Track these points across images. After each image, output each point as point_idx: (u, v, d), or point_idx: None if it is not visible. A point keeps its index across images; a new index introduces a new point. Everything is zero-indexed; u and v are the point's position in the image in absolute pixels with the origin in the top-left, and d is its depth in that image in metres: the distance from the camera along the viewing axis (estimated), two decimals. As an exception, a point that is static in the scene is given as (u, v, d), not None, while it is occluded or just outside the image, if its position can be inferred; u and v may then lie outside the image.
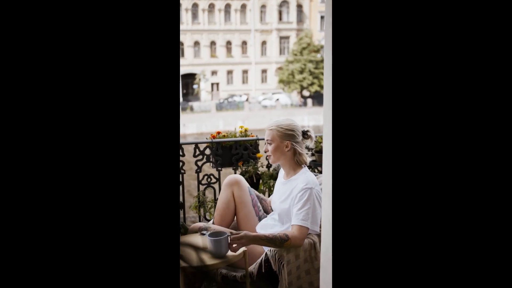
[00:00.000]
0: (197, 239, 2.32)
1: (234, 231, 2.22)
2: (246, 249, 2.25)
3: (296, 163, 2.43)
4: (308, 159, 2.49)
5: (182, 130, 27.38)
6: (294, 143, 2.40)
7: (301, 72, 32.53)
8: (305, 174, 2.40)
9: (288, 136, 2.40)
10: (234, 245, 2.12)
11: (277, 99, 32.44)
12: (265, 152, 2.48)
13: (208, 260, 2.12)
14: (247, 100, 33.34)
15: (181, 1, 36.28)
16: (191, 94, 37.68)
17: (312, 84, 32.55)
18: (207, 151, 3.37)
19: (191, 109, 31.06)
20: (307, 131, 2.52)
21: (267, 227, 2.47)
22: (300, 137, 2.45)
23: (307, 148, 2.56)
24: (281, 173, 2.56)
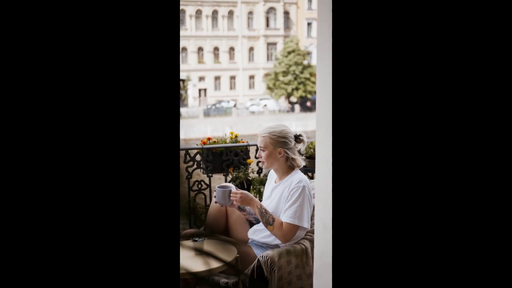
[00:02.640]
0: (189, 246, 2.31)
1: (237, 188, 2.44)
2: (238, 255, 2.25)
3: (289, 167, 2.47)
4: (302, 162, 2.51)
5: (170, 136, 27.13)
6: (287, 150, 2.44)
7: (286, 73, 32.57)
8: (297, 174, 2.45)
9: (280, 143, 2.43)
10: (232, 198, 2.36)
11: (265, 105, 32.50)
12: (258, 158, 2.50)
13: (203, 265, 2.11)
14: (235, 106, 33.34)
15: (168, 7, 36.02)
16: (178, 100, 37.41)
17: (297, 89, 32.61)
18: (198, 157, 3.36)
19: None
20: (300, 135, 2.55)
21: (260, 232, 2.47)
22: (293, 143, 2.48)
23: (299, 152, 2.59)
24: (272, 177, 2.58)
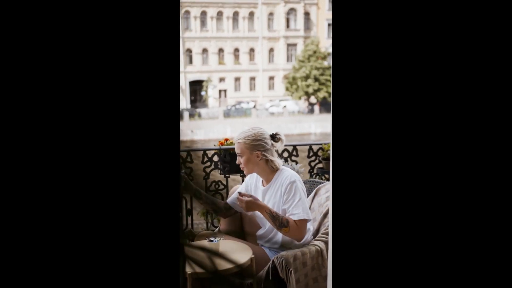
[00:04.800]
0: (206, 246, 2.33)
1: (243, 193, 2.36)
2: (253, 256, 2.25)
3: (270, 168, 2.44)
4: (280, 163, 2.48)
5: (190, 137, 27.41)
6: (263, 152, 2.40)
7: (306, 78, 32.45)
8: (283, 172, 2.42)
9: (256, 146, 2.39)
10: (239, 204, 2.31)
11: (284, 106, 32.40)
12: (238, 164, 2.47)
13: (218, 265, 2.13)
14: (254, 107, 33.36)
15: (190, 9, 36.60)
16: (199, 100, 37.83)
17: (318, 90, 32.46)
18: (215, 158, 3.38)
19: (199, 115, 31.13)
20: (276, 134, 2.51)
21: (264, 236, 2.49)
22: (270, 143, 2.44)
23: (277, 152, 2.55)
24: (258, 179, 2.54)
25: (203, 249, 2.11)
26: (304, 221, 2.33)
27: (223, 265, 2.15)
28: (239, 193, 2.33)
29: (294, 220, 2.30)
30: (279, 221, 2.29)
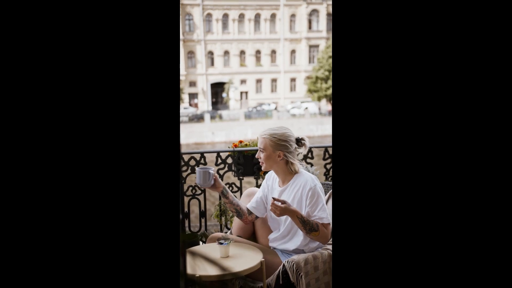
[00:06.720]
0: (215, 249, 2.32)
1: (276, 198, 2.33)
2: (263, 259, 2.23)
3: (290, 170, 2.41)
4: (300, 168, 2.44)
5: (211, 138, 27.62)
6: (286, 153, 2.38)
7: (326, 80, 32.18)
8: (302, 175, 2.40)
9: (280, 146, 2.37)
10: (272, 209, 2.29)
11: (306, 108, 32.25)
12: (258, 158, 2.45)
13: (226, 269, 2.11)
14: (275, 108, 33.35)
15: (212, 12, 36.95)
16: (220, 102, 38.14)
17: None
18: (229, 160, 3.37)
19: (220, 117, 31.32)
20: (301, 139, 2.49)
21: (277, 239, 2.46)
22: (294, 146, 2.42)
23: (304, 156, 2.53)
24: (274, 180, 2.52)
25: (208, 256, 2.10)
26: (330, 225, 2.32)
27: (232, 268, 2.14)
28: (273, 198, 2.31)
29: (322, 224, 2.30)
30: (309, 226, 2.28)
